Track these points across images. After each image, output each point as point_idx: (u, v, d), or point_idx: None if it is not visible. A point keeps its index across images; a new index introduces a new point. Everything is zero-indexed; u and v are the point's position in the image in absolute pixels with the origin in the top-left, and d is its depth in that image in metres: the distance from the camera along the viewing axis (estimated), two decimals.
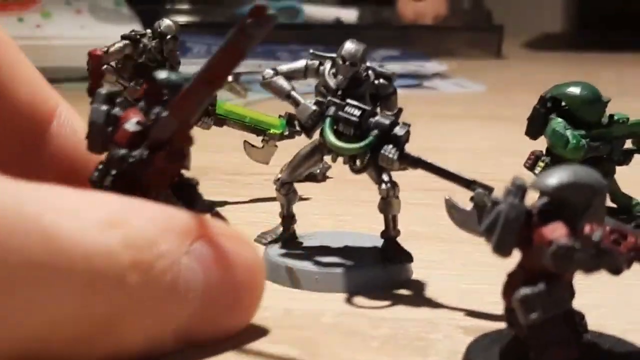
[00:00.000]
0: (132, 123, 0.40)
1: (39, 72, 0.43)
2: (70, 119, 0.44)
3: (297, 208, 0.53)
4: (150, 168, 0.39)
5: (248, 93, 1.14)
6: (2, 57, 0.40)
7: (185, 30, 1.69)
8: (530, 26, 2.23)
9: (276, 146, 0.66)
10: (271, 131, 0.65)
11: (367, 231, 0.54)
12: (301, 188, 0.60)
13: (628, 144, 0.58)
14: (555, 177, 0.34)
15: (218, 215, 0.43)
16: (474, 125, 1.04)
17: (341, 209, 0.65)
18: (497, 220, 0.35)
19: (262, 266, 0.41)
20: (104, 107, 0.40)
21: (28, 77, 0.42)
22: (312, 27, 1.70)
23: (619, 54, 1.84)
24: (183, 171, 0.41)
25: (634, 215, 0.59)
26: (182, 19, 1.75)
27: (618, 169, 0.59)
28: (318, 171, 0.71)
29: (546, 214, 0.34)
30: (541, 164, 0.57)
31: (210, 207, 0.42)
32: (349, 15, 1.76)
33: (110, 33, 1.25)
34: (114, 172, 0.39)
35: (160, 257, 0.35)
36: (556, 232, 0.33)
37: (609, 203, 0.59)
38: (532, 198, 0.35)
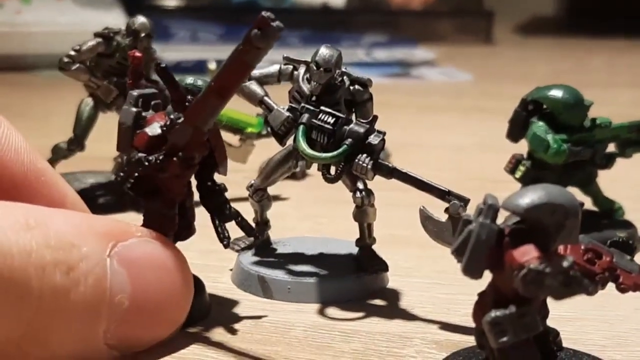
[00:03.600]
0: (153, 127, 0.40)
1: None
2: (10, 137, 0.43)
3: (275, 208, 0.52)
4: (166, 173, 0.39)
5: None
6: None
7: (170, 15, 1.68)
8: (522, 9, 2.21)
9: (253, 145, 0.65)
10: (249, 130, 0.64)
11: (346, 234, 0.52)
12: (279, 187, 0.59)
13: (611, 148, 0.57)
14: (527, 197, 0.33)
15: (243, 223, 0.43)
16: (458, 118, 1.03)
17: (319, 209, 0.64)
18: (468, 241, 0.34)
19: (188, 268, 0.40)
20: (134, 109, 0.41)
21: None
22: (300, 12, 1.68)
23: (611, 40, 1.83)
24: (216, 177, 0.43)
25: (616, 219, 0.58)
26: (167, 2, 1.72)
27: (601, 172, 0.58)
28: (298, 169, 0.70)
29: (518, 234, 0.33)
30: (522, 167, 0.56)
31: (236, 216, 0.43)
32: None
33: (91, 19, 1.24)
34: (135, 175, 0.40)
35: (83, 259, 0.35)
36: (527, 255, 0.32)
37: (591, 207, 0.59)
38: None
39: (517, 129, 0.56)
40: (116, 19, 1.22)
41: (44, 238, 0.34)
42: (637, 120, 0.57)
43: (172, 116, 0.39)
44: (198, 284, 0.46)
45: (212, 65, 1.20)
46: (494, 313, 0.33)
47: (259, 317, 0.45)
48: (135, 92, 0.42)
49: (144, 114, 0.42)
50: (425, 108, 1.10)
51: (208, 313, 0.45)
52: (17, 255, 0.33)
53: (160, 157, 0.39)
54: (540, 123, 0.55)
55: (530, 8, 2.26)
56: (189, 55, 1.33)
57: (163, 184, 0.40)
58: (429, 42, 1.60)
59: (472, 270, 0.34)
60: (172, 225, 0.41)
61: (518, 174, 0.56)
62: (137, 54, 0.43)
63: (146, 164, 0.39)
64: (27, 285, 0.33)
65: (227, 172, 0.44)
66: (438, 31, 1.73)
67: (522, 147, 0.57)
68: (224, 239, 0.42)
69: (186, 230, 0.43)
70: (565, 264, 0.31)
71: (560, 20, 2.30)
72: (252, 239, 0.51)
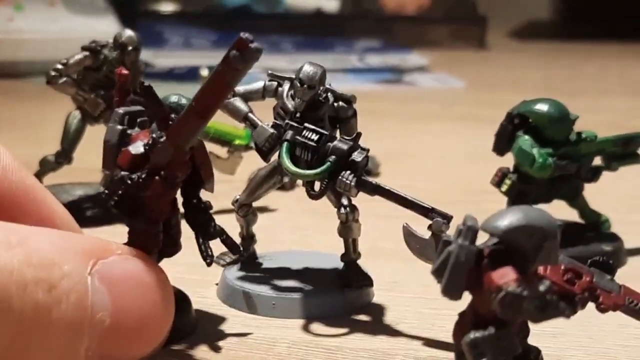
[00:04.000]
0: (136, 145, 0.40)
1: None
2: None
3: (262, 220, 0.52)
4: (148, 192, 0.39)
5: None
6: None
7: (163, 20, 1.67)
8: (516, 13, 2.22)
9: (241, 157, 0.65)
10: (237, 142, 0.64)
11: (332, 246, 0.52)
12: (267, 198, 0.59)
13: (597, 161, 0.57)
14: (506, 220, 0.33)
15: (228, 240, 0.43)
16: (449, 127, 1.03)
17: (307, 222, 0.64)
18: (447, 262, 0.34)
19: (169, 286, 0.40)
20: (119, 127, 0.41)
21: None
22: (293, 17, 1.69)
23: (606, 44, 1.83)
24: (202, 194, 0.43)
25: (602, 232, 0.59)
26: (161, 8, 1.72)
27: (587, 185, 0.58)
28: (287, 179, 0.70)
29: (497, 256, 0.34)
30: (507, 181, 0.56)
31: (220, 234, 0.43)
32: (330, 4, 1.74)
33: (84, 26, 1.24)
34: (118, 193, 0.40)
35: (64, 277, 0.35)
36: (505, 277, 0.32)
37: (578, 219, 0.59)
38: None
39: (503, 143, 0.56)
40: (109, 26, 1.21)
41: (26, 256, 0.34)
42: (622, 134, 0.57)
43: (154, 135, 0.40)
44: (184, 300, 0.46)
45: (205, 72, 1.19)
46: (473, 334, 0.33)
47: (244, 334, 0.45)
48: (121, 110, 0.42)
49: (129, 131, 0.42)
50: (417, 115, 1.10)
51: (194, 330, 0.45)
52: None
53: (143, 176, 0.39)
54: (526, 137, 0.55)
55: (524, 13, 2.26)
56: (182, 61, 1.33)
57: (146, 202, 0.40)
58: (422, 48, 1.60)
59: (451, 292, 0.34)
60: (156, 243, 0.41)
61: (504, 188, 0.56)
62: (124, 71, 0.43)
63: (128, 182, 0.39)
64: (9, 304, 0.33)
65: (215, 184, 0.44)
66: (431, 37, 1.73)
67: (508, 156, 0.58)
68: (207, 257, 0.42)
69: (171, 247, 0.43)
70: (542, 288, 0.31)
71: (555, 24, 2.30)
72: None
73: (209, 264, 0.43)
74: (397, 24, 1.75)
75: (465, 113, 1.11)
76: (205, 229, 0.43)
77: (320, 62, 0.47)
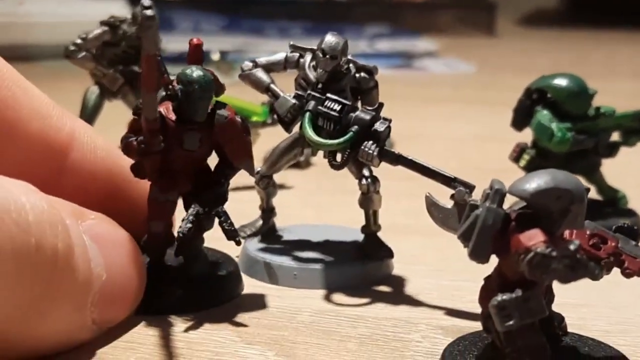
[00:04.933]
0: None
1: (47, 99, 0.43)
2: (89, 139, 0.44)
3: (278, 198, 0.52)
4: (133, 155, 0.41)
5: (236, 72, 1.14)
6: (7, 94, 0.40)
7: (173, 6, 1.67)
8: (525, 1, 2.21)
9: (258, 134, 0.65)
10: (254, 119, 0.64)
11: (349, 223, 0.53)
12: (283, 176, 0.60)
13: (614, 137, 0.58)
14: (534, 183, 0.33)
15: (226, 226, 0.43)
16: (460, 109, 1.03)
17: (323, 198, 0.64)
18: (474, 225, 0.34)
19: (139, 250, 0.42)
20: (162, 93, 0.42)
21: (37, 109, 0.42)
22: (302, 3, 1.69)
23: (612, 31, 1.83)
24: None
25: (619, 208, 0.59)
26: None
27: (605, 161, 0.58)
28: (302, 158, 0.71)
29: (524, 219, 0.34)
30: (526, 156, 0.56)
31: (221, 215, 0.43)
32: None
33: (94, 10, 1.24)
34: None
35: (70, 229, 0.36)
36: (533, 239, 0.33)
37: (595, 195, 0.59)
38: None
39: (521, 118, 0.57)
40: (119, 10, 1.21)
41: (47, 200, 0.35)
42: None
43: (139, 104, 0.41)
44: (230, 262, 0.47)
45: (216, 56, 1.20)
46: (500, 297, 0.33)
47: (266, 303, 0.45)
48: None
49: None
50: (428, 99, 1.10)
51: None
52: (31, 210, 0.33)
53: (129, 139, 0.41)
54: (545, 111, 0.55)
55: (533, 1, 2.26)
56: None
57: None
58: (431, 34, 1.60)
59: (478, 255, 0.34)
60: (161, 214, 0.43)
61: (522, 163, 0.56)
62: (195, 40, 0.44)
63: (123, 142, 0.41)
64: (43, 240, 0.33)
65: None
66: (440, 23, 1.73)
67: (521, 136, 0.58)
68: (233, 235, 0.42)
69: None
70: (571, 247, 0.32)
71: (562, 11, 2.30)
72: (258, 225, 0.51)
73: (238, 242, 0.43)
74: (406, 10, 1.75)
75: (475, 96, 1.11)
76: (209, 201, 0.43)
77: None
